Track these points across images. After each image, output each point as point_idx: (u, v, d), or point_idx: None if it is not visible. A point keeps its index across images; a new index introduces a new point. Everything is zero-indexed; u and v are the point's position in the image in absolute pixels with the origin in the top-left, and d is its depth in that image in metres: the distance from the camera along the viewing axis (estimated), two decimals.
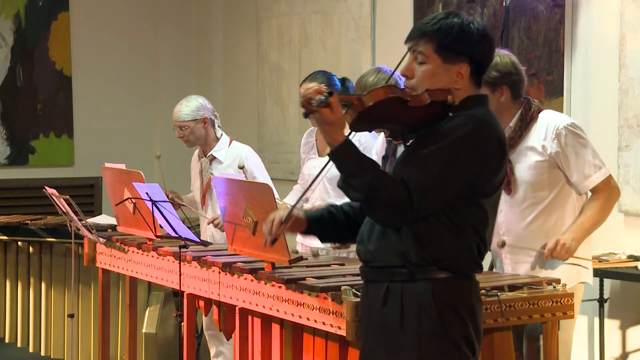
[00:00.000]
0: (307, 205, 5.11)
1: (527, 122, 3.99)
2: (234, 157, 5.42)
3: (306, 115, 2.93)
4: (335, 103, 2.88)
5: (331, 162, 2.96)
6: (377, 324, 3.02)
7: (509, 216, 4.01)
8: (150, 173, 7.94)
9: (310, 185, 3.21)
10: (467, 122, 2.91)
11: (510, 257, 4.05)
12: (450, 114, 2.97)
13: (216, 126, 5.49)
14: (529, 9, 5.64)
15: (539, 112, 4.02)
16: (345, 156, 2.91)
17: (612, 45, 5.23)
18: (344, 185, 2.94)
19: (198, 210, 5.57)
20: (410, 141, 3.03)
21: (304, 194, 3.36)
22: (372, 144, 4.51)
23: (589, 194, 4.02)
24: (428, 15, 3.07)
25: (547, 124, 3.96)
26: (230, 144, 5.47)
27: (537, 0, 5.60)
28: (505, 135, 3.07)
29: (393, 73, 3.19)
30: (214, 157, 5.44)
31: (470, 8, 6.01)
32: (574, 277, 4.01)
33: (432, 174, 2.88)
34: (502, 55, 3.99)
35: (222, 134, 5.50)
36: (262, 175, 5.38)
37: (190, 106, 5.43)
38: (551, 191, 3.97)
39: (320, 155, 5.02)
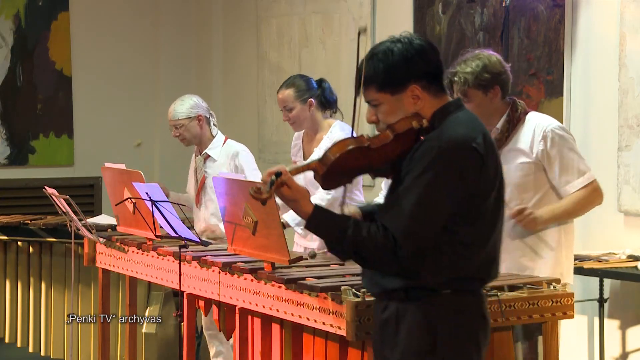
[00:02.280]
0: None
1: (514, 123, 4.00)
2: (228, 155, 5.42)
3: (264, 203, 2.90)
4: (289, 180, 2.87)
5: (349, 186, 2.98)
6: (377, 337, 3.04)
7: None
8: (150, 173, 7.95)
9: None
10: (432, 147, 2.83)
11: None
12: (422, 137, 2.90)
13: (212, 124, 5.49)
14: (529, 9, 5.63)
15: (526, 114, 4.03)
16: (319, 225, 2.91)
17: (612, 45, 5.23)
18: (331, 251, 2.94)
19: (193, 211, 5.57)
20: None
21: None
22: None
23: None
24: (361, 60, 2.99)
25: (535, 126, 3.98)
26: (224, 142, 5.48)
27: (537, 0, 5.60)
28: (486, 132, 3.01)
29: (352, 128, 3.09)
30: (208, 156, 5.45)
31: (470, 8, 6.01)
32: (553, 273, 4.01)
33: (410, 212, 2.82)
34: (489, 56, 3.99)
35: (217, 133, 5.50)
36: (251, 172, 5.35)
37: (184, 104, 5.44)
38: (535, 193, 4.00)
39: (305, 158, 5.05)
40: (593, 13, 5.35)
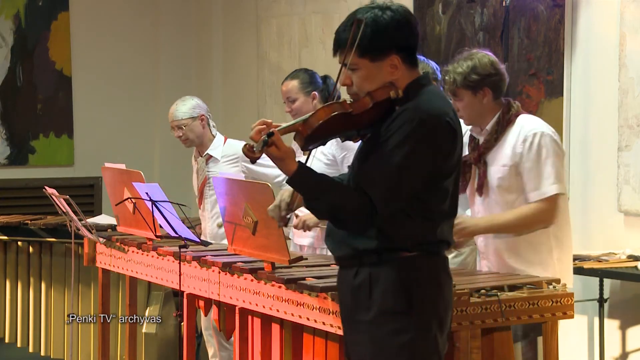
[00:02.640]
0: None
1: (503, 125, 3.98)
2: (231, 153, 5.42)
3: (253, 162, 3.07)
4: (278, 140, 3.01)
5: (312, 156, 3.03)
6: (349, 306, 3.11)
7: (482, 216, 4.03)
8: (150, 173, 7.94)
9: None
10: (412, 117, 2.96)
11: (484, 264, 4.12)
12: (397, 107, 3.01)
13: (211, 125, 5.51)
14: (529, 9, 5.63)
15: (517, 116, 4.00)
16: (301, 183, 3.04)
17: (612, 45, 5.23)
18: (308, 208, 3.08)
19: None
20: (367, 137, 3.10)
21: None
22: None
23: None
24: (341, 23, 3.06)
25: (521, 130, 3.95)
26: (225, 142, 5.49)
27: (537, 0, 5.60)
28: (454, 109, 3.11)
29: (334, 90, 3.27)
30: (210, 156, 5.45)
31: (470, 8, 6.01)
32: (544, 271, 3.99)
33: (390, 180, 2.96)
34: (481, 57, 3.98)
35: (216, 133, 5.51)
36: (263, 166, 5.32)
37: (186, 105, 5.45)
38: (519, 196, 3.96)
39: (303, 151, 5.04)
40: (593, 13, 5.35)
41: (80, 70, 8.14)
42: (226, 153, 5.44)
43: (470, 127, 4.09)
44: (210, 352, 5.55)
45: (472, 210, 4.11)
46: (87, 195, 8.02)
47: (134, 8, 8.36)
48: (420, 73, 3.09)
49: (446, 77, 3.97)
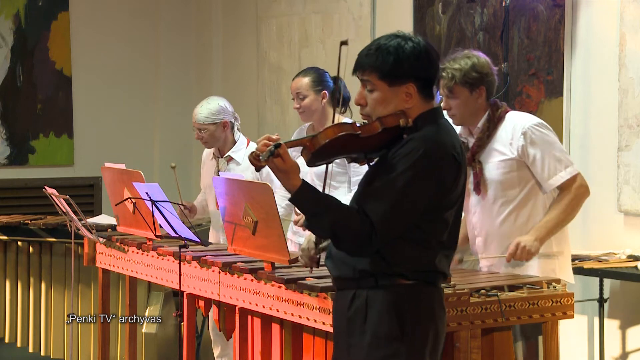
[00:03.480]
0: None
1: (494, 122, 4.02)
2: None
3: (258, 170, 3.12)
4: (285, 153, 3.05)
5: (331, 166, 3.04)
6: (343, 328, 3.14)
7: (482, 216, 4.07)
8: (150, 173, 7.95)
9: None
10: (419, 146, 3.02)
11: (483, 263, 4.11)
12: (405, 136, 3.08)
13: (235, 129, 5.44)
14: (529, 9, 5.63)
15: (506, 113, 4.05)
16: (303, 200, 3.08)
17: (612, 45, 5.23)
18: (309, 225, 3.12)
19: (210, 212, 5.54)
20: (374, 161, 3.17)
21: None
22: None
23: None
24: (367, 45, 3.15)
25: (515, 124, 3.99)
26: (248, 144, 5.45)
27: (537, 0, 5.60)
28: (462, 144, 3.20)
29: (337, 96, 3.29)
30: (232, 158, 5.41)
31: (470, 8, 6.01)
32: (549, 274, 3.99)
33: (391, 204, 3.01)
34: (478, 57, 4.02)
35: (239, 136, 5.47)
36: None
37: (210, 109, 5.36)
38: (522, 189, 4.00)
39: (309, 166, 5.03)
40: (593, 13, 5.35)
41: (80, 70, 8.14)
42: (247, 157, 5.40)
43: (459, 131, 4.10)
44: (217, 352, 5.54)
45: (466, 212, 4.11)
46: (87, 195, 8.02)
47: (134, 8, 8.36)
48: (434, 105, 3.14)
49: (442, 74, 3.98)
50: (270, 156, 3.02)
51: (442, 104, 4.02)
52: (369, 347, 3.05)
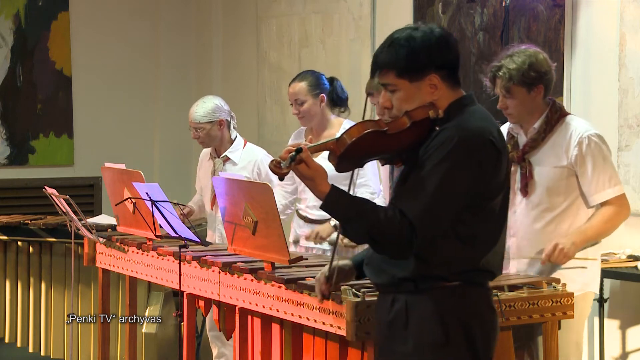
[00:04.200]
0: (301, 206, 5.11)
1: (552, 124, 3.92)
2: (249, 159, 5.39)
3: (281, 179, 2.93)
4: (308, 157, 2.89)
5: (357, 170, 2.96)
6: (385, 332, 3.02)
7: (521, 217, 3.98)
8: (150, 173, 7.95)
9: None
10: (452, 136, 2.86)
11: (513, 265, 4.03)
12: (437, 128, 2.93)
13: (232, 128, 5.43)
14: (529, 9, 5.63)
15: (565, 116, 3.95)
16: (335, 206, 2.91)
17: (612, 45, 5.23)
18: (344, 232, 2.95)
19: (207, 212, 5.55)
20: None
21: (334, 248, 3.27)
22: None
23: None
24: (379, 46, 3.01)
25: (572, 131, 3.90)
26: (244, 145, 5.45)
27: (537, 0, 5.60)
28: (499, 128, 3.01)
29: (364, 116, 3.12)
30: (228, 158, 5.40)
31: (470, 8, 6.01)
32: (582, 288, 3.98)
33: (428, 200, 2.84)
34: (536, 53, 3.90)
35: (236, 136, 5.46)
36: (275, 179, 5.36)
37: (206, 107, 5.35)
38: (566, 198, 3.92)
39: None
40: (593, 13, 5.35)
41: (80, 70, 8.14)
42: (245, 157, 5.41)
43: (510, 124, 4.03)
44: (215, 352, 5.55)
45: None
46: (87, 195, 8.02)
47: (134, 8, 8.36)
48: (463, 93, 3.00)
49: (499, 73, 3.87)
50: (291, 162, 2.87)
51: (498, 103, 3.93)
52: (413, 355, 2.91)
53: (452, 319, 2.90)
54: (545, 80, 3.90)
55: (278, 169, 2.89)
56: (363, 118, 3.00)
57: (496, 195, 2.93)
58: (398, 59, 2.92)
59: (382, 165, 3.22)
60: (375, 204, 2.94)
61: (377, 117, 3.24)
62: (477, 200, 2.89)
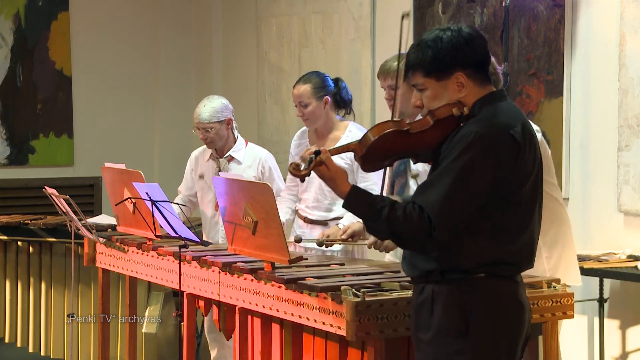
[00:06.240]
0: (301, 206, 5.10)
1: None
2: (253, 158, 5.39)
3: (302, 180, 3.03)
4: (327, 159, 2.98)
5: (388, 169, 3.00)
6: (414, 321, 3.09)
7: None
8: (150, 173, 7.95)
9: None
10: (471, 131, 2.92)
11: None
12: (462, 124, 2.98)
13: (234, 127, 5.45)
14: (529, 9, 5.63)
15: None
16: (356, 205, 3.01)
17: (612, 45, 5.23)
18: (369, 231, 3.05)
19: (201, 214, 5.54)
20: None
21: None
22: None
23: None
24: (409, 47, 3.10)
25: None
26: (246, 145, 5.45)
27: (537, 0, 5.60)
28: (526, 122, 3.02)
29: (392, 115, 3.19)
30: (233, 157, 5.40)
31: (470, 8, 6.01)
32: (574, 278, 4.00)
33: (446, 194, 2.90)
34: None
35: (238, 135, 5.47)
36: (279, 177, 5.38)
37: (214, 107, 5.33)
38: None
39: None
40: (593, 13, 5.35)
41: (80, 70, 8.14)
42: (249, 156, 5.41)
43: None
44: (213, 353, 5.54)
45: None
46: (87, 195, 8.02)
47: (134, 8, 8.36)
48: (493, 89, 3.05)
49: None
50: (310, 164, 2.93)
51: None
52: (433, 343, 2.96)
53: (474, 311, 2.94)
54: (491, 81, 3.96)
55: (297, 172, 2.97)
56: (393, 108, 3.07)
57: (519, 188, 2.95)
58: (424, 59, 3.00)
59: (414, 163, 3.28)
60: (395, 201, 3.00)
61: (387, 104, 3.36)
62: (500, 193, 2.93)
